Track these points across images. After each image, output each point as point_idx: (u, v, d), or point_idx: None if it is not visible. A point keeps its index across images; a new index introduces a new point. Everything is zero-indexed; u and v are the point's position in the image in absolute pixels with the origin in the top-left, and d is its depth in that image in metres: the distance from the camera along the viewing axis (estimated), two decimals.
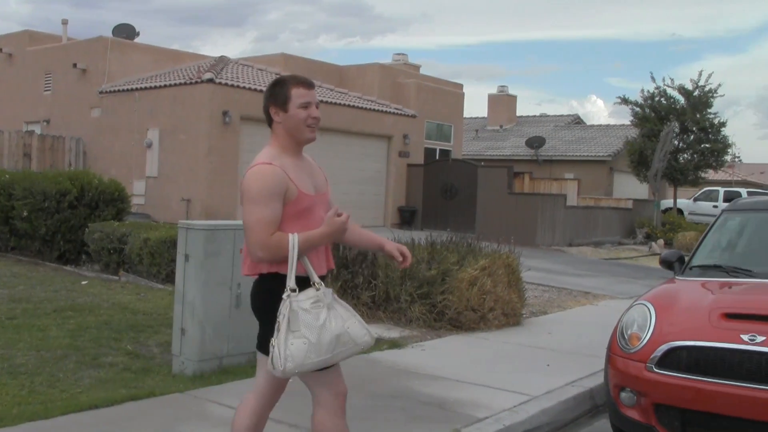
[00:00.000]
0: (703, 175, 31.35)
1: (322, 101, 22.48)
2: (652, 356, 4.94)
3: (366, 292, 9.12)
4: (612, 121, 74.77)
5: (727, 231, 6.89)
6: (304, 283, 3.61)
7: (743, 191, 33.68)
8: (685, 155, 30.37)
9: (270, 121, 3.77)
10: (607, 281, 15.15)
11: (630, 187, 35.43)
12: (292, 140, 3.76)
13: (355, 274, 9.22)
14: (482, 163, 26.93)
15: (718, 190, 35.90)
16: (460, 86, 31.30)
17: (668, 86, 30.24)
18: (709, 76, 29.98)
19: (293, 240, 3.57)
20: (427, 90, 28.18)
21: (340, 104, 23.35)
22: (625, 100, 30.83)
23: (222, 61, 23.12)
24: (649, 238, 26.85)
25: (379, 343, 7.82)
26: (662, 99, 30.21)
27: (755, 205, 7.28)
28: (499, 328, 9.00)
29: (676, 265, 6.40)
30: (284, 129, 3.73)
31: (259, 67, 24.61)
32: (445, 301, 8.74)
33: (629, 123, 32.80)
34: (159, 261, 11.07)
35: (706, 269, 6.22)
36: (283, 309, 3.52)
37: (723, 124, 30.19)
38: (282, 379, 3.80)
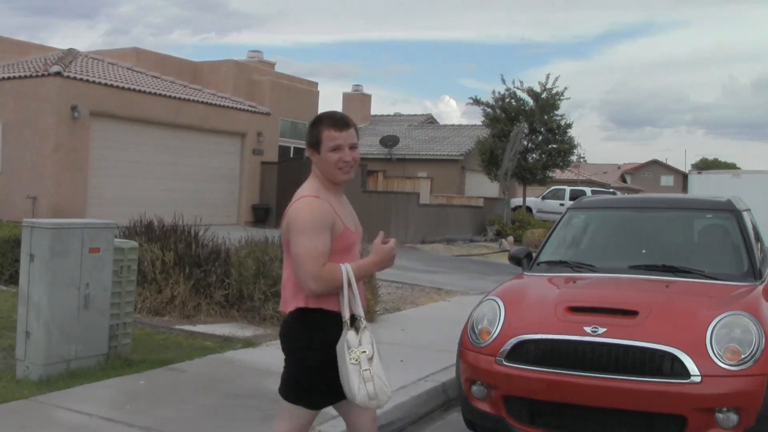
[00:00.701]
0: (550, 174, 32.43)
1: (174, 97, 22.07)
2: (501, 350, 5.07)
3: (219, 290, 9.01)
4: (464, 122, 76.42)
5: (572, 228, 7.17)
6: (339, 319, 3.57)
7: (588, 190, 35.09)
8: (534, 155, 31.31)
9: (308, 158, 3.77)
10: (459, 277, 15.46)
11: (481, 186, 36.28)
12: (327, 180, 3.70)
13: (208, 273, 9.08)
14: None
15: (564, 189, 37.26)
16: (315, 84, 31.33)
17: (518, 88, 31.19)
18: (556, 79, 31.13)
19: (347, 270, 3.54)
20: (282, 88, 28.05)
21: (193, 100, 22.90)
22: (476, 101, 31.55)
23: (71, 54, 22.26)
24: (500, 235, 27.57)
25: (233, 342, 7.74)
26: (512, 100, 31.08)
27: (598, 204, 7.62)
28: None
29: (524, 261, 6.62)
30: (319, 169, 3.70)
31: (110, 61, 23.82)
32: None
33: (481, 123, 33.54)
34: (2, 261, 10.59)
35: (553, 265, 6.46)
36: (365, 339, 3.54)
37: (569, 126, 31.36)
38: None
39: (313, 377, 3.59)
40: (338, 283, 3.52)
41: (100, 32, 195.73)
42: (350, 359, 3.46)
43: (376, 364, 3.51)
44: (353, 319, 3.57)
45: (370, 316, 9.42)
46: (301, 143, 28.95)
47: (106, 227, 6.62)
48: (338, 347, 3.51)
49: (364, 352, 3.50)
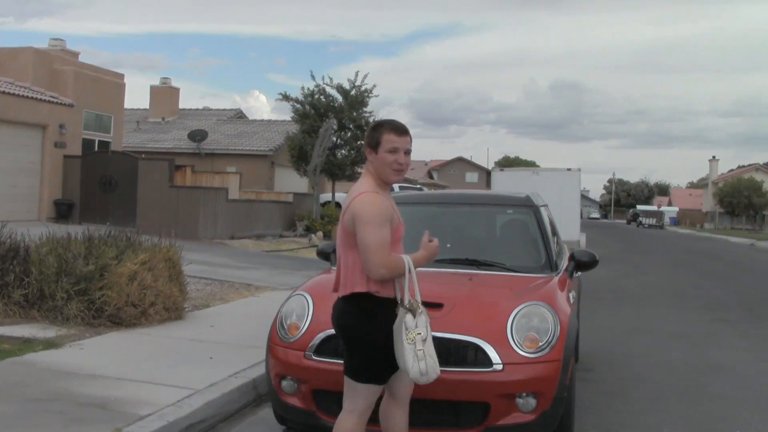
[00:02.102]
0: (359, 170, 32.85)
1: None
2: (310, 344, 5.13)
3: (18, 290, 8.57)
4: (274, 117, 76.43)
5: None
6: (392, 304, 4.05)
7: (396, 186, 35.78)
8: (343, 151, 31.67)
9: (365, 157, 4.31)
10: (268, 273, 15.44)
11: (291, 181, 36.30)
12: (379, 179, 4.20)
13: (6, 272, 8.63)
14: (143, 156, 26.28)
15: None
16: (122, 76, 30.26)
17: (327, 85, 31.41)
18: (365, 76, 31.59)
19: (408, 260, 4.05)
20: (86, 78, 26.94)
21: None
22: (286, 97, 31.52)
23: None
24: (309, 230, 27.71)
25: (33, 344, 7.40)
26: (322, 97, 31.27)
27: (404, 199, 7.77)
28: (161, 323, 8.87)
29: (332, 256, 6.67)
30: (373, 168, 4.22)
31: None
32: (104, 297, 8.44)
33: (290, 119, 33.56)
34: None
35: None
36: (421, 321, 3.98)
37: None
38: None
39: (379, 356, 4.07)
40: (401, 270, 4.01)
41: None
42: (407, 339, 3.94)
43: (429, 345, 3.98)
44: (411, 304, 4.01)
45: (178, 313, 9.27)
46: (107, 136, 28.00)
47: None
48: (395, 327, 4.00)
49: (419, 333, 3.96)
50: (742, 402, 7.23)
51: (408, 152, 4.21)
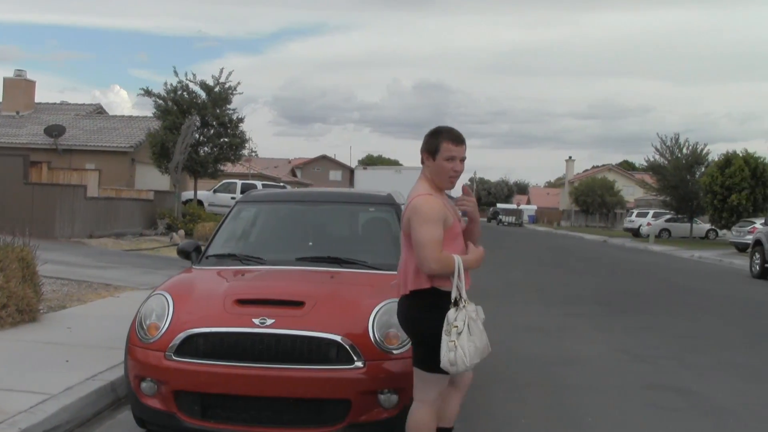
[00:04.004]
0: (222, 168, 32.52)
1: None
2: (170, 345, 5.05)
3: None
4: (136, 113, 74.22)
5: (241, 221, 7.28)
6: (449, 298, 4.38)
7: (259, 184, 35.61)
8: (206, 148, 31.25)
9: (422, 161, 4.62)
10: (128, 272, 15.07)
11: (152, 179, 35.53)
12: (434, 183, 4.56)
13: None
14: None
15: (236, 183, 37.61)
16: None
17: (191, 81, 30.92)
18: (230, 74, 31.25)
19: (458, 259, 4.39)
20: None
21: None
22: (148, 92, 30.82)
23: None
24: (171, 229, 27.22)
25: None
26: (185, 93, 30.75)
27: (266, 197, 7.78)
28: (14, 325, 8.54)
29: (193, 254, 6.62)
30: (429, 173, 4.57)
31: None
32: None
33: (152, 115, 32.86)
34: None
35: (222, 258, 6.52)
36: (461, 316, 4.33)
37: (241, 120, 31.70)
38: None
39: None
40: (452, 268, 4.36)
41: None
42: (444, 329, 4.32)
43: (463, 338, 4.30)
44: (456, 299, 4.37)
45: (33, 315, 8.95)
46: None
47: None
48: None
49: (456, 327, 4.30)
50: (597, 391, 7.55)
51: (463, 160, 4.56)
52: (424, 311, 4.45)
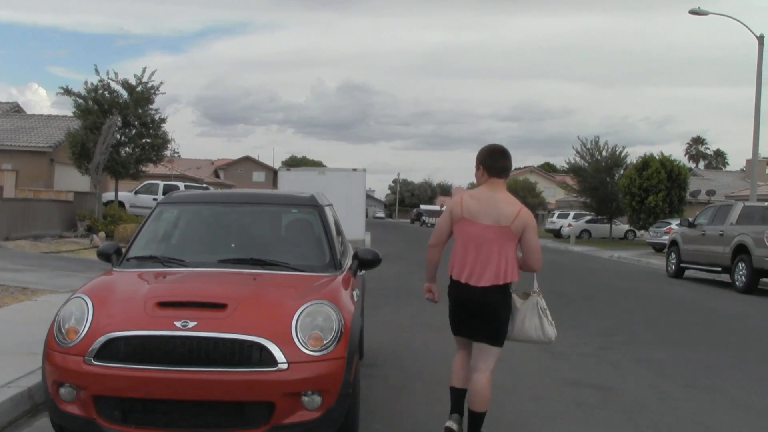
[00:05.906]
0: (144, 168, 32.11)
1: None
2: (90, 349, 4.95)
3: None
4: (55, 112, 72.88)
5: (163, 223, 7.19)
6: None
7: (181, 185, 35.21)
8: (127, 149, 30.86)
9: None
10: (47, 275, 14.76)
11: (72, 180, 34.88)
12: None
13: None
14: None
15: (158, 184, 37.10)
16: None
17: (112, 80, 30.51)
18: (153, 73, 30.91)
19: None
20: None
21: None
22: (68, 91, 30.29)
23: None
24: (91, 230, 26.76)
25: None
26: (106, 92, 30.31)
27: (188, 198, 7.69)
28: None
29: (113, 257, 6.50)
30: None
31: None
32: None
33: (72, 114, 32.28)
34: None
35: (143, 260, 6.42)
36: (542, 302, 5.75)
37: (163, 120, 31.38)
38: None
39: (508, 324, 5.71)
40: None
41: None
42: (538, 314, 5.69)
43: (519, 323, 5.69)
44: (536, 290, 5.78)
45: None
46: None
47: None
48: (524, 305, 5.71)
49: (546, 309, 5.74)
50: (517, 390, 7.67)
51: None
52: (505, 297, 5.58)
